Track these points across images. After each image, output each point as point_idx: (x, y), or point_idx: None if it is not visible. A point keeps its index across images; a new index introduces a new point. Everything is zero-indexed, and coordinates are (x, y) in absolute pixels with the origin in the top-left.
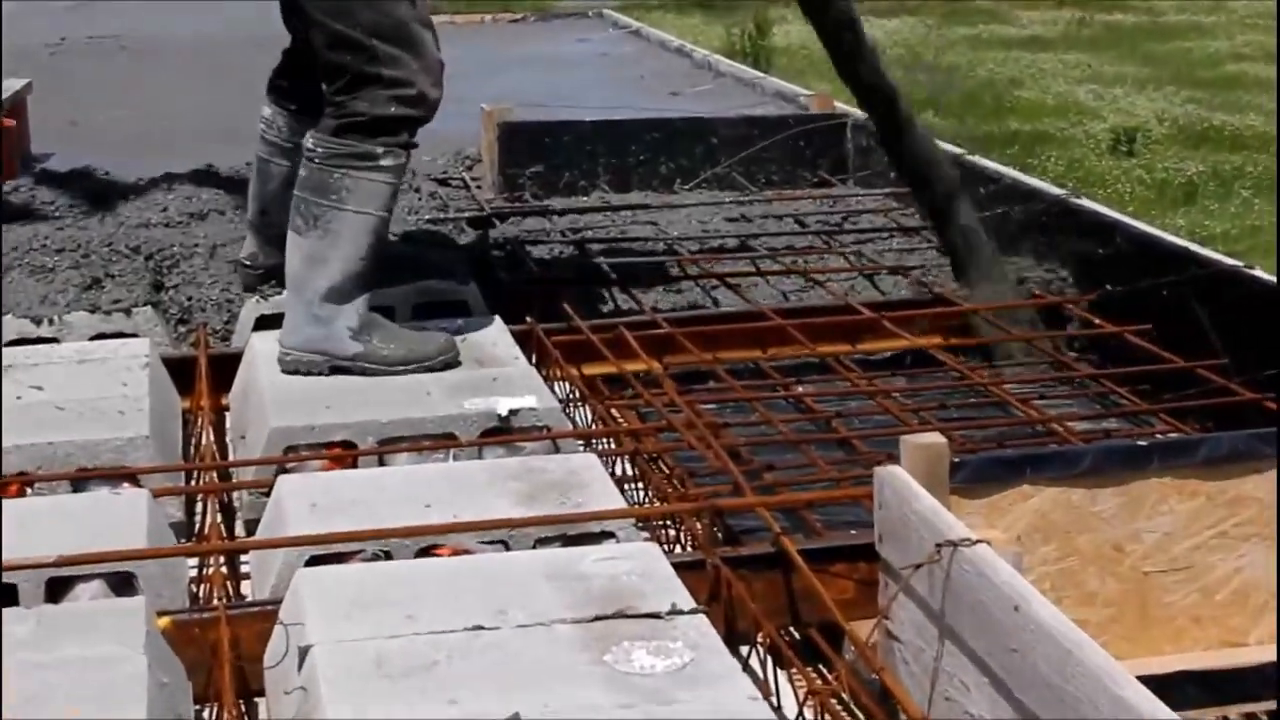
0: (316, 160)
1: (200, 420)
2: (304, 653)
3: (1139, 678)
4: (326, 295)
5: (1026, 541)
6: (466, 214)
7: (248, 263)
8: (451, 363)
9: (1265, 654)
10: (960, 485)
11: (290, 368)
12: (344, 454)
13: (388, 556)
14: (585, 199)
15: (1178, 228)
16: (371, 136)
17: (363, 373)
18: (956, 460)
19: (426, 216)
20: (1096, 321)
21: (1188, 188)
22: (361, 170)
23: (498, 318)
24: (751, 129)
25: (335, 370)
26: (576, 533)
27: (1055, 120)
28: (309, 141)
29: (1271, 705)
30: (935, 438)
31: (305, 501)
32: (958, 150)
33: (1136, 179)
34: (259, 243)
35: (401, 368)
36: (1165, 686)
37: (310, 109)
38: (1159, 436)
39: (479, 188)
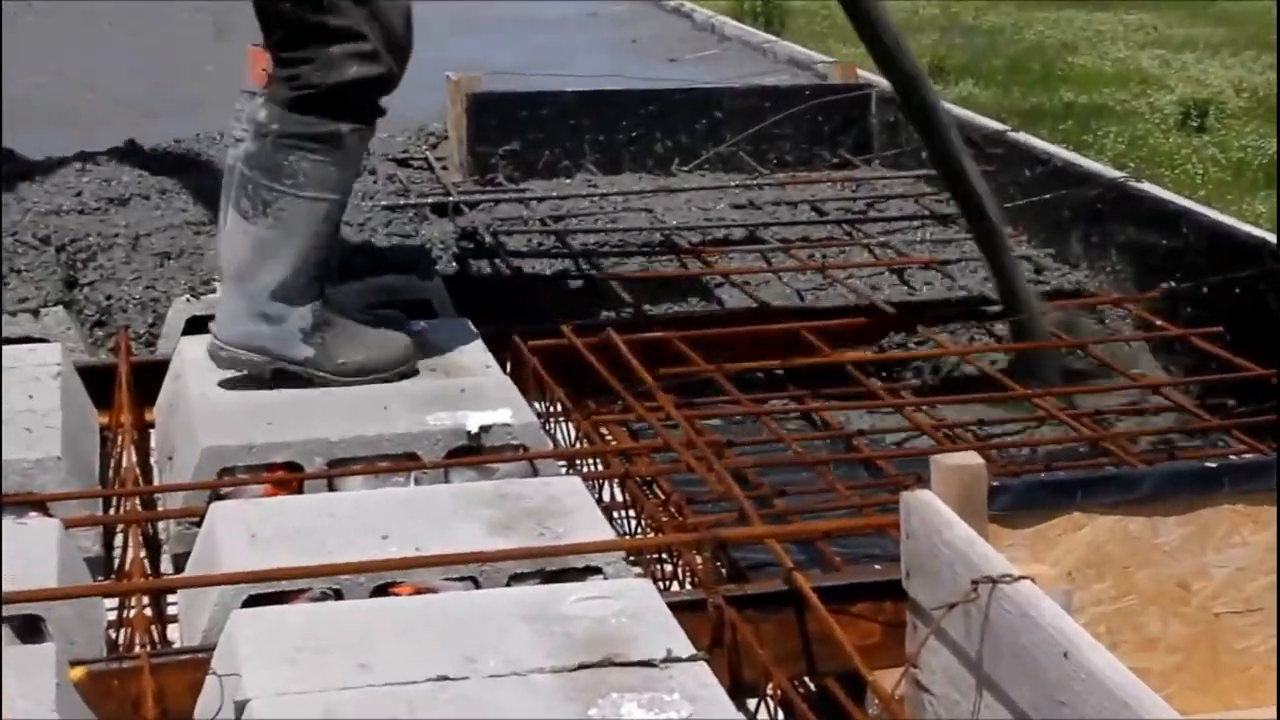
0: (270, 138)
1: (121, 438)
2: (241, 708)
3: None
4: (277, 292)
5: (1078, 578)
6: (430, 199)
7: None
8: (409, 372)
9: None
10: (1001, 513)
11: (225, 364)
12: (288, 477)
13: (338, 596)
14: (568, 182)
15: (1257, 215)
16: (333, 111)
17: (311, 381)
18: (996, 484)
19: (384, 202)
20: (1158, 324)
21: (1269, 169)
22: (320, 152)
23: (467, 320)
24: (762, 101)
25: (278, 375)
26: (557, 568)
27: (1115, 91)
28: (261, 113)
29: None
30: (971, 457)
31: (242, 532)
32: (1000, 125)
33: (1209, 159)
34: None
35: (358, 379)
36: None
37: None
38: (1231, 458)
39: (445, 169)
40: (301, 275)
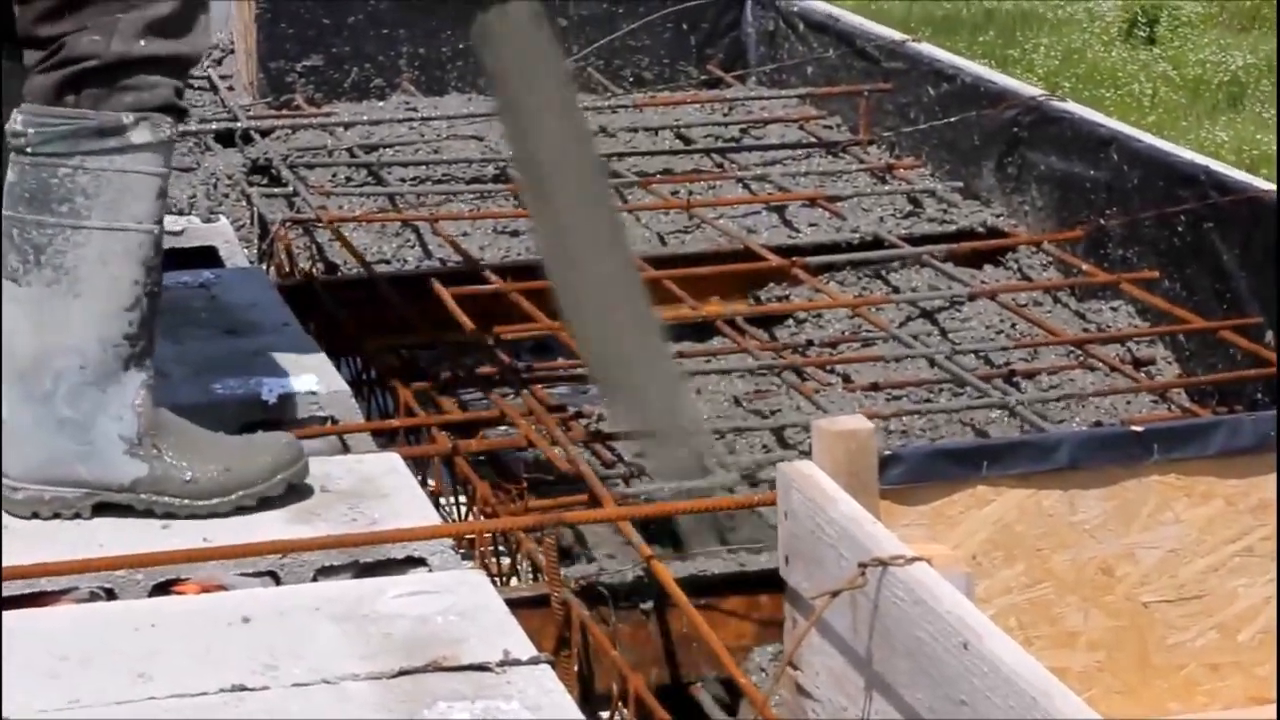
0: (29, 150)
1: None
2: None
3: None
4: (76, 384)
5: (984, 562)
6: (214, 126)
7: None
8: (302, 488)
9: None
10: (894, 486)
11: (26, 510)
12: None
13: (111, 596)
14: (381, 104)
15: (1218, 144)
16: (114, 94)
17: (150, 512)
18: (889, 453)
19: None
20: (1084, 268)
21: (1232, 88)
22: (105, 154)
23: (261, 268)
24: (615, 6)
25: (102, 510)
26: (373, 559)
27: None
28: (17, 121)
29: None
30: (858, 422)
31: None
32: (900, 36)
33: (1160, 76)
34: None
35: (219, 501)
36: None
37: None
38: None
39: (231, 89)
40: (110, 351)
